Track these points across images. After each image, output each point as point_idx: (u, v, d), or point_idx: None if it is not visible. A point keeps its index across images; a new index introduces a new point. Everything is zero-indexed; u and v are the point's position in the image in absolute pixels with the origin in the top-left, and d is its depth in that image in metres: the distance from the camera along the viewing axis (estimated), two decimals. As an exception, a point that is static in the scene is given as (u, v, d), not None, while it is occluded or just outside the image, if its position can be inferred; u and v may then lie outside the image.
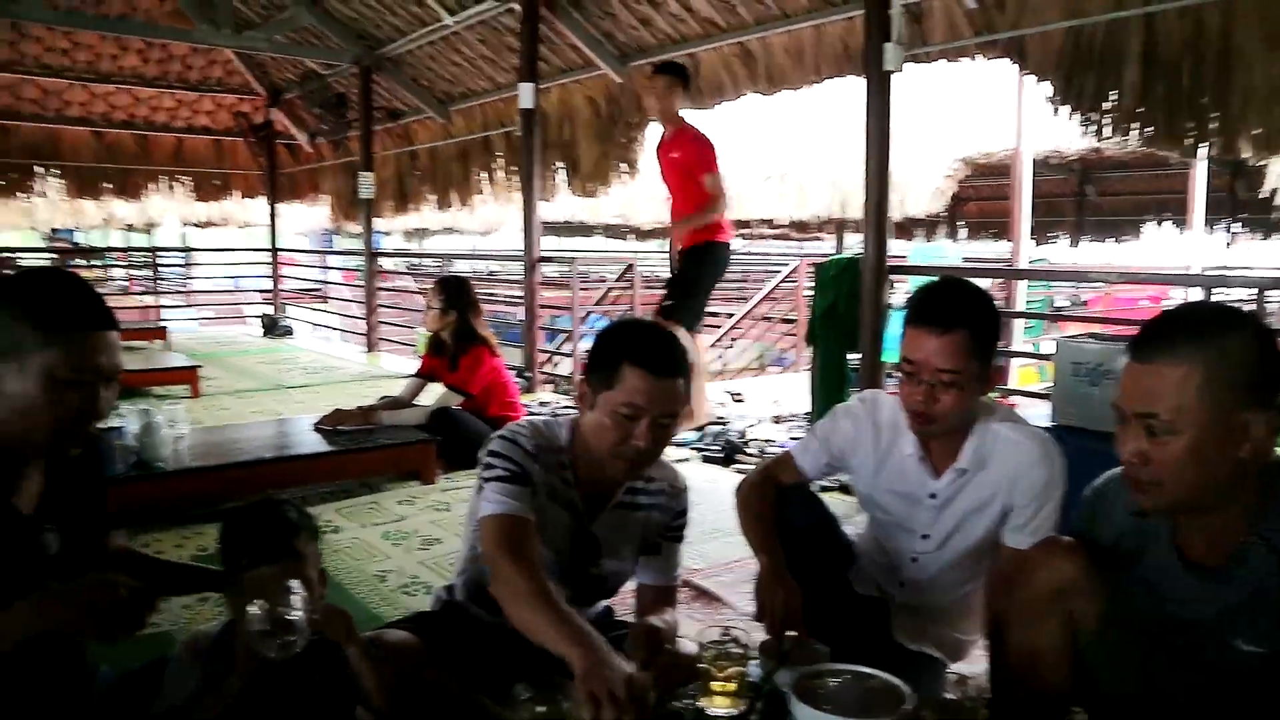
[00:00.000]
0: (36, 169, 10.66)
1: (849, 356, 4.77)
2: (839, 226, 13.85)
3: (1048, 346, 6.56)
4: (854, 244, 13.82)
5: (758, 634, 1.76)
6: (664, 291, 5.21)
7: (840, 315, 4.71)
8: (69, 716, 1.53)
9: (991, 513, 1.86)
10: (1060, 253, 13.34)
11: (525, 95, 6.67)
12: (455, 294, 4.47)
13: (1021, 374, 6.94)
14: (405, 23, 8.09)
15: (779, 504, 2.01)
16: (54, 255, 14.20)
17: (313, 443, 4.23)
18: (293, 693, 1.57)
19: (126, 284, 13.97)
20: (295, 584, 1.50)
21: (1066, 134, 7.49)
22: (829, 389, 4.73)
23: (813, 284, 5.07)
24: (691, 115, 5.42)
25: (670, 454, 4.68)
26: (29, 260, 12.85)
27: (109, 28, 9.48)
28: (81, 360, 1.41)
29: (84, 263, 14.15)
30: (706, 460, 4.68)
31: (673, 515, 1.95)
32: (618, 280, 8.54)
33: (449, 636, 1.87)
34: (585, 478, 1.86)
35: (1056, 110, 4.27)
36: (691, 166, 5.01)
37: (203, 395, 6.58)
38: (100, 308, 1.46)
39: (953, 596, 2.00)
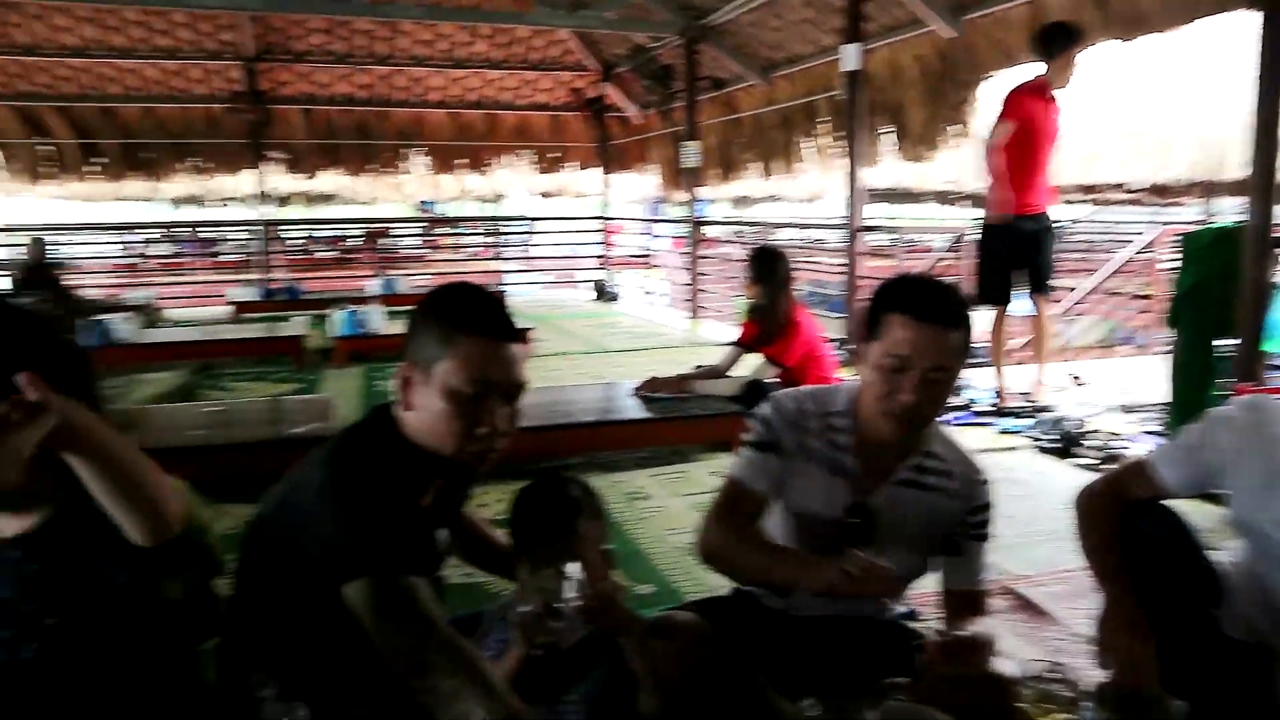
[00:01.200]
0: (405, 149, 12.02)
1: (1218, 343, 4.11)
2: (1207, 191, 12.12)
3: None
4: (1228, 211, 12.10)
5: (1092, 673, 1.51)
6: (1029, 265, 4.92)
7: (1210, 294, 4.07)
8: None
9: None
10: None
11: (849, 57, 6.40)
12: (765, 266, 4.38)
13: None
14: (730, -10, 8.07)
15: (1128, 518, 1.72)
16: (422, 224, 15.86)
17: (629, 408, 4.35)
18: (573, 672, 1.54)
19: (477, 251, 15.28)
20: (573, 567, 1.46)
21: None
22: (1191, 379, 4.12)
23: (1176, 256, 4.43)
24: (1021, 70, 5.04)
25: (999, 441, 4.36)
26: (400, 229, 14.51)
27: (464, 17, 10.33)
28: (475, 371, 1.41)
29: (446, 231, 15.68)
30: (1041, 450, 4.26)
31: (969, 509, 1.75)
32: (947, 250, 8.04)
33: (740, 624, 1.79)
34: (863, 445, 1.74)
35: None
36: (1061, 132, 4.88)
37: (533, 356, 7.01)
38: (499, 319, 1.45)
39: (1362, 656, 1.61)
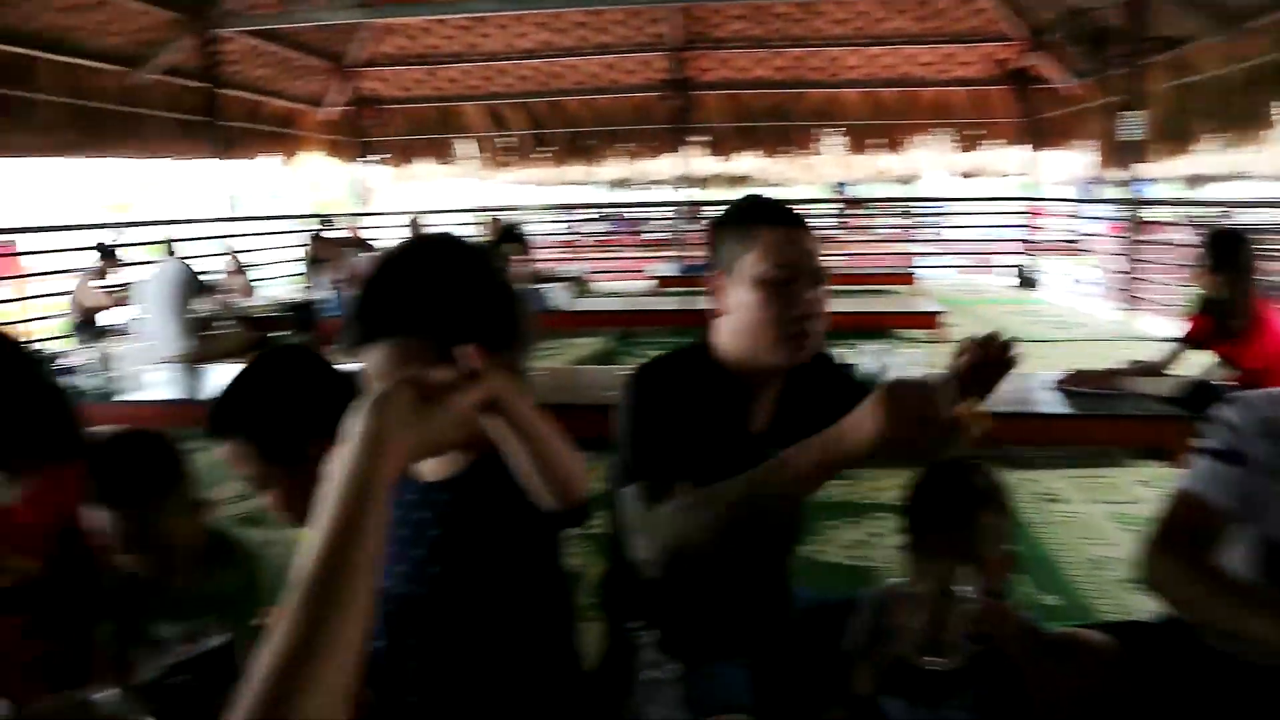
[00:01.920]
0: (820, 129, 12.07)
1: None
2: None
3: None
4: None
5: None
6: None
7: None
8: (766, 632, 1.64)
9: None
10: None
11: (1354, -2, 5.32)
12: (1224, 252, 3.82)
13: None
14: (1198, -66, 7.06)
15: None
16: (835, 205, 15.85)
17: (1047, 401, 4.06)
18: (961, 678, 1.36)
19: (890, 233, 14.95)
20: (963, 587, 1.25)
21: None
22: None
23: None
24: None
25: None
26: (813, 210, 14.67)
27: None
28: (777, 256, 1.49)
29: (858, 212, 15.55)
30: None
31: None
32: None
33: (1168, 660, 1.54)
34: None
35: None
36: None
37: (946, 341, 6.75)
38: (787, 211, 1.56)
39: None
